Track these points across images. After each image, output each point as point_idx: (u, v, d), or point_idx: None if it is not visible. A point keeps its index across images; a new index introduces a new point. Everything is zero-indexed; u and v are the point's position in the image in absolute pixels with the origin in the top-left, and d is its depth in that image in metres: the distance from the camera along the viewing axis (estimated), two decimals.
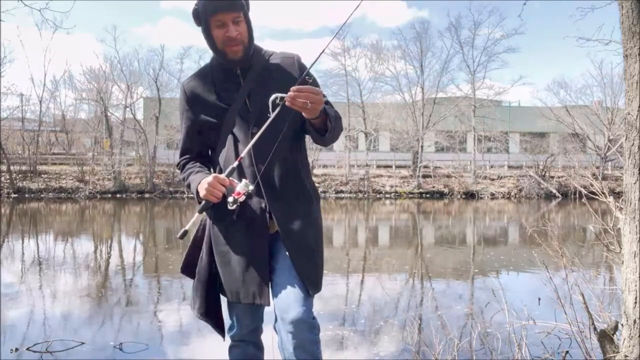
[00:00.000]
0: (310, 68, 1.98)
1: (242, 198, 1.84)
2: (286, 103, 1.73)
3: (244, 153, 1.87)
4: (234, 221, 1.95)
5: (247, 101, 1.97)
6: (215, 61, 2.01)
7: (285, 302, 1.89)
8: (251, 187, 1.84)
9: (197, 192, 1.92)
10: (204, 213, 2.06)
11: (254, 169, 1.93)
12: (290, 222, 1.96)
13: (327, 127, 1.90)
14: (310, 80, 1.93)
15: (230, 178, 1.87)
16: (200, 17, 1.90)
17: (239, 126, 1.96)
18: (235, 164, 1.87)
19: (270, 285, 1.98)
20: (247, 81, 1.97)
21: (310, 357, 1.86)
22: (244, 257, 1.96)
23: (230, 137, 1.97)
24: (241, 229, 1.96)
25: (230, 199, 1.84)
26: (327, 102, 1.94)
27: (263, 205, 1.95)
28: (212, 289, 2.09)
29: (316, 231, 2.04)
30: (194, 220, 1.92)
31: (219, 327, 2.14)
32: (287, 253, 1.94)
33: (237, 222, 1.96)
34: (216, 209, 1.93)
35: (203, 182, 1.87)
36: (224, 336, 2.16)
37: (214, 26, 1.89)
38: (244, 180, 1.85)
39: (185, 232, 1.90)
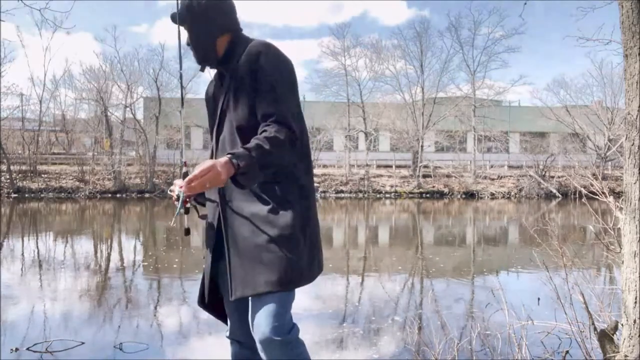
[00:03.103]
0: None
1: (178, 205, 1.83)
2: (186, 196, 1.78)
3: (183, 157, 2.10)
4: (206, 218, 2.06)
5: (220, 103, 2.02)
6: None
7: (252, 319, 1.83)
8: (170, 192, 1.90)
9: None
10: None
11: None
12: (233, 223, 1.90)
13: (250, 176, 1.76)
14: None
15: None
16: None
17: (213, 128, 2.05)
18: (185, 169, 1.95)
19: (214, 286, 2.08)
20: (225, 82, 2.02)
21: None
22: (205, 253, 2.06)
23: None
24: (206, 226, 2.05)
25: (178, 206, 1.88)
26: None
27: (216, 203, 1.96)
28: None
29: (268, 230, 1.84)
30: (186, 220, 2.01)
31: (220, 314, 2.14)
32: (231, 258, 1.90)
33: (206, 221, 2.05)
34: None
35: None
36: (226, 322, 2.14)
37: None
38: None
39: (188, 230, 2.02)
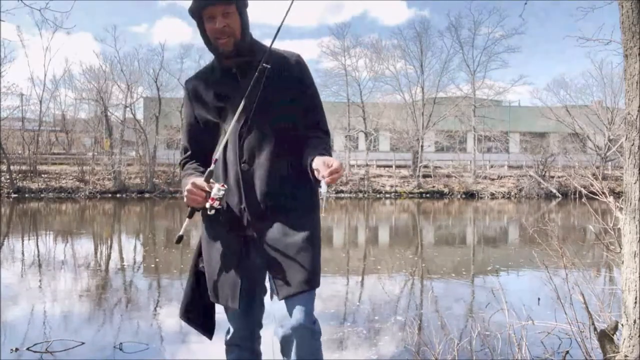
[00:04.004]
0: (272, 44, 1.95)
1: (216, 204, 1.84)
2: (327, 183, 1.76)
3: (216, 154, 1.91)
4: (216, 220, 1.96)
5: (244, 101, 1.94)
6: (217, 59, 2.00)
7: (286, 308, 1.87)
8: (222, 193, 1.84)
9: None
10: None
11: (237, 168, 1.92)
12: (266, 226, 1.91)
13: None
14: (310, 89, 2.00)
15: (212, 180, 1.87)
16: (194, 12, 1.90)
17: (232, 126, 1.96)
18: (212, 167, 1.89)
19: (245, 285, 1.99)
20: (245, 80, 1.95)
21: None
22: (221, 257, 1.97)
23: (223, 137, 1.97)
24: (222, 229, 1.97)
25: (207, 205, 1.85)
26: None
27: (243, 205, 1.92)
28: (197, 288, 2.08)
29: (304, 237, 1.92)
30: (185, 225, 1.93)
31: (204, 327, 2.13)
32: (273, 260, 1.91)
33: (219, 222, 1.97)
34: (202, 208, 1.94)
35: (186, 189, 1.88)
36: (210, 337, 2.15)
37: (205, 20, 1.89)
38: (216, 185, 1.84)
39: (181, 237, 1.96)
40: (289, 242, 1.89)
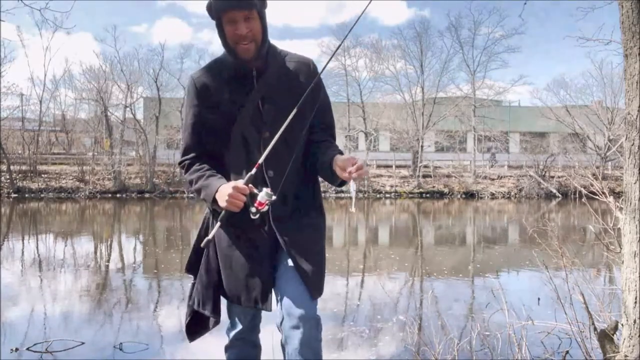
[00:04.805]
0: (320, 73, 2.01)
1: (264, 208, 1.83)
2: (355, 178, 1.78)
3: (261, 159, 1.84)
4: (237, 225, 1.93)
5: (260, 104, 1.94)
6: (229, 57, 1.95)
7: (294, 300, 1.90)
8: (274, 197, 1.82)
9: (214, 200, 1.86)
10: (207, 212, 2.07)
11: (263, 175, 1.92)
12: (291, 229, 1.96)
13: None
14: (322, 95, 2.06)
15: (250, 185, 1.83)
16: (213, 12, 1.86)
17: (249, 130, 1.93)
18: (254, 171, 1.83)
19: (273, 287, 1.99)
20: (261, 83, 1.94)
21: (314, 356, 1.88)
22: (246, 261, 1.96)
23: (240, 140, 1.94)
24: (244, 233, 1.96)
25: (252, 210, 1.82)
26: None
27: (268, 211, 1.93)
28: (215, 288, 2.08)
29: (316, 238, 2.05)
30: (216, 229, 1.89)
31: (205, 326, 2.15)
32: (289, 258, 1.95)
33: (241, 226, 1.94)
34: (219, 213, 1.89)
35: (222, 192, 1.82)
36: (197, 335, 2.18)
37: (226, 23, 1.85)
38: (264, 190, 1.82)
39: (209, 242, 1.93)
40: (313, 244, 2.01)
